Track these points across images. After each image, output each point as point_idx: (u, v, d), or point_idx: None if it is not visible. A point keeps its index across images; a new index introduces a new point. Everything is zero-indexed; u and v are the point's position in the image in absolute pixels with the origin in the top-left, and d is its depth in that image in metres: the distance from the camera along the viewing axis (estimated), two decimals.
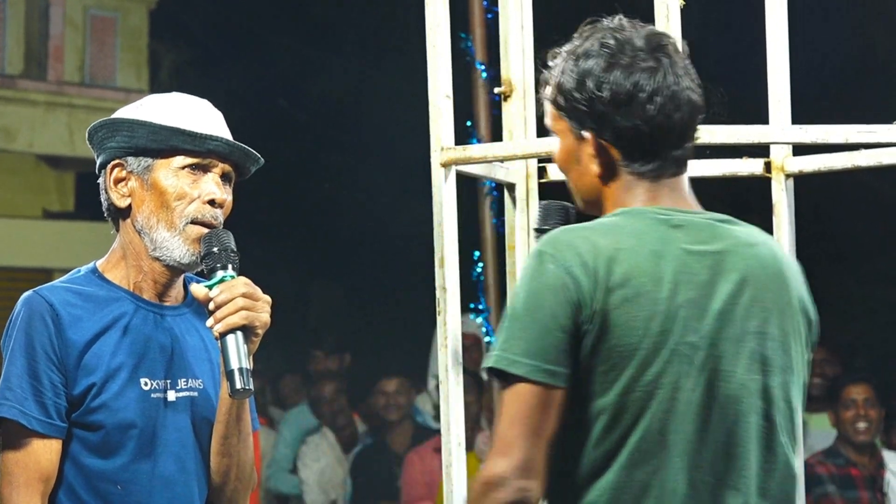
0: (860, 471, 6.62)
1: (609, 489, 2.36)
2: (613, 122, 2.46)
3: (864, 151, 3.42)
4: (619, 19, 2.55)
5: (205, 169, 2.93)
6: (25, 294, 2.90)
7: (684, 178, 2.54)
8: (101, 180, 2.99)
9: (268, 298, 2.87)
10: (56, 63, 11.95)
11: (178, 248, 2.90)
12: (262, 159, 3.01)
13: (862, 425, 6.69)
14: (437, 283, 3.34)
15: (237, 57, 12.96)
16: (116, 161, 2.95)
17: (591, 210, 2.59)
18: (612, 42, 2.49)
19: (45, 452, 2.83)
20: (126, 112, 2.99)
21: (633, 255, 2.38)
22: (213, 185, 2.92)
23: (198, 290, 2.86)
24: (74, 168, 12.30)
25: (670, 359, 2.36)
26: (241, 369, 2.81)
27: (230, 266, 2.86)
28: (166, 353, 2.92)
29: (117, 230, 2.99)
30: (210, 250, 2.86)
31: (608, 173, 2.50)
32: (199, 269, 2.93)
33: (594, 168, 2.51)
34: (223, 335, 2.82)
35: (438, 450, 7.95)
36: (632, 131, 2.46)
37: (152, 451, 2.89)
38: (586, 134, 2.49)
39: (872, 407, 6.75)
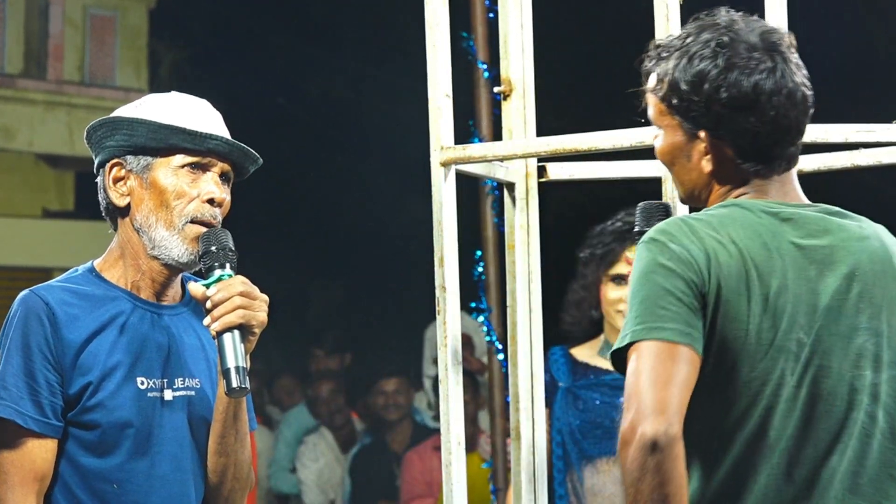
0: None
1: (718, 482, 2.36)
2: (731, 124, 2.45)
3: (863, 151, 3.42)
4: (729, 14, 2.52)
5: (204, 168, 2.93)
6: (22, 293, 2.90)
7: (793, 173, 2.53)
8: (99, 179, 2.99)
9: (265, 297, 2.87)
10: (55, 62, 11.94)
11: (177, 246, 2.90)
12: (261, 159, 3.01)
13: None
14: (437, 283, 3.34)
15: (236, 56, 12.95)
16: (115, 160, 2.95)
17: (692, 204, 2.58)
18: (727, 41, 2.46)
19: (40, 451, 2.83)
20: (125, 111, 2.99)
21: (745, 248, 2.38)
22: (213, 185, 2.92)
23: (195, 288, 2.87)
24: (74, 167, 12.28)
25: (776, 355, 2.35)
26: (237, 368, 2.80)
27: (228, 265, 2.86)
28: (163, 352, 2.92)
29: (115, 229, 2.99)
30: (208, 249, 2.86)
31: (720, 171, 2.50)
32: (197, 269, 2.93)
33: (706, 166, 2.49)
34: (220, 334, 2.82)
35: (438, 448, 7.94)
36: (750, 132, 2.45)
37: (148, 450, 2.88)
38: (701, 133, 2.47)
39: None
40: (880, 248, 2.48)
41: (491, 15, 5.59)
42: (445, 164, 3.36)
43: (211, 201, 2.91)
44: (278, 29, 13.26)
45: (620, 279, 4.47)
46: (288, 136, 12.45)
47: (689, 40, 2.49)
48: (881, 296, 2.44)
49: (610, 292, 4.49)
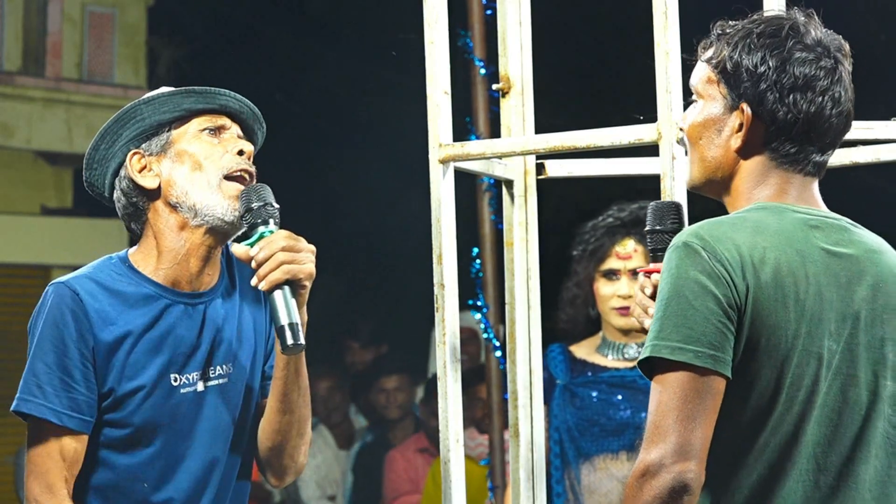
0: None
1: (746, 487, 2.35)
2: (776, 104, 2.44)
3: (862, 148, 3.42)
4: (804, 13, 2.53)
5: (221, 130, 2.93)
6: (54, 284, 2.87)
7: (815, 183, 2.52)
8: (117, 189, 2.96)
9: (311, 248, 2.84)
10: (54, 59, 11.93)
11: (219, 204, 2.87)
12: (265, 124, 3.02)
13: None
14: (435, 280, 3.34)
15: (234, 52, 12.95)
16: (133, 152, 2.93)
17: (704, 189, 2.55)
18: (802, 30, 2.47)
19: (71, 446, 2.82)
20: (119, 112, 2.98)
21: (780, 253, 2.36)
22: (236, 140, 2.93)
23: (239, 249, 2.83)
24: (72, 164, 12.28)
25: (810, 360, 2.34)
26: (291, 324, 2.77)
27: (271, 221, 2.83)
28: (196, 346, 2.90)
29: (141, 227, 2.95)
30: (249, 206, 2.84)
31: (748, 152, 2.48)
32: (240, 233, 2.89)
33: (735, 142, 2.48)
34: (269, 292, 2.78)
35: (421, 449, 7.91)
36: (790, 121, 2.44)
37: (180, 446, 2.88)
38: (743, 106, 2.46)
39: None
40: (895, 261, 2.49)
41: (488, 12, 5.59)
42: (444, 162, 3.36)
43: (240, 153, 2.91)
44: (276, 25, 13.26)
45: (612, 274, 4.47)
46: (286, 133, 12.45)
47: (758, 21, 2.50)
48: None
49: (602, 288, 4.49)
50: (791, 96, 2.43)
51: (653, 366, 2.34)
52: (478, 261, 6.12)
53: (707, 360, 2.29)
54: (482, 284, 6.09)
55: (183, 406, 2.87)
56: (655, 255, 2.69)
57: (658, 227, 2.71)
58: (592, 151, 3.30)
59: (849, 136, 3.27)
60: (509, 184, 3.58)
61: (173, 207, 2.89)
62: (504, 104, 3.58)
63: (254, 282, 2.79)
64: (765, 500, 2.34)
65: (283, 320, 2.77)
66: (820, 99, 2.44)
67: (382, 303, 12.45)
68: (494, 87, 3.66)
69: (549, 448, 4.48)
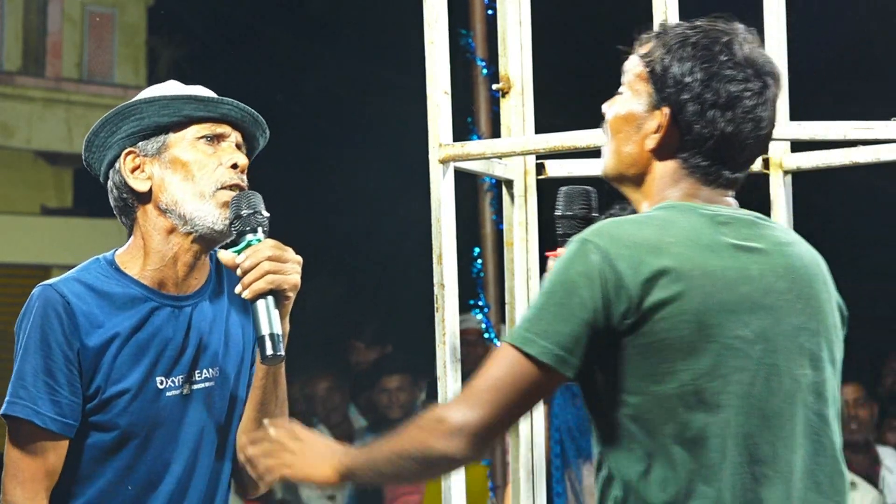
0: (855, 468, 6.63)
1: (661, 481, 2.35)
2: (694, 117, 2.44)
3: (862, 148, 3.42)
4: (745, 29, 2.52)
5: (219, 139, 2.90)
6: (40, 287, 2.85)
7: (730, 194, 2.52)
8: (111, 179, 2.94)
9: (298, 259, 2.82)
10: (54, 59, 11.94)
11: (210, 213, 2.85)
12: (268, 130, 3.00)
13: (853, 426, 6.70)
14: (436, 280, 3.34)
15: (234, 53, 12.95)
16: (128, 150, 2.91)
17: (616, 181, 2.56)
18: (735, 47, 2.47)
19: (53, 450, 2.81)
20: (124, 105, 2.96)
21: (684, 249, 2.37)
22: (232, 151, 2.90)
23: (225, 256, 2.82)
24: (72, 164, 12.28)
25: (722, 352, 2.35)
26: (272, 335, 2.76)
27: (259, 229, 2.82)
28: (183, 349, 2.89)
29: (131, 225, 2.93)
30: (238, 213, 2.81)
31: (661, 154, 2.49)
32: (229, 240, 2.88)
33: (650, 142, 2.49)
34: (252, 301, 2.77)
35: None
36: (705, 136, 2.45)
37: (165, 449, 2.86)
38: (664, 109, 2.47)
39: (863, 406, 6.75)
40: (807, 253, 2.51)
41: (490, 12, 5.59)
42: (444, 162, 3.36)
43: (234, 166, 2.88)
44: (276, 25, 13.26)
45: None
46: (286, 133, 12.44)
47: (698, 29, 2.50)
48: (815, 297, 2.46)
49: None
50: (710, 113, 2.44)
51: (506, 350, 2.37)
52: (479, 261, 6.12)
53: (552, 359, 2.32)
54: (483, 284, 6.10)
55: (168, 409, 2.86)
56: (563, 240, 2.69)
57: (567, 213, 2.72)
58: (592, 151, 3.30)
59: (849, 136, 3.28)
60: (509, 184, 3.58)
61: (163, 212, 2.87)
62: (504, 104, 3.58)
63: (238, 289, 2.78)
64: (700, 494, 2.34)
65: (265, 330, 2.77)
66: (740, 120, 2.45)
67: (383, 303, 12.45)
68: (494, 87, 3.66)
69: (550, 448, 4.48)
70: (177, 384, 2.87)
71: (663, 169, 2.49)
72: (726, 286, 2.37)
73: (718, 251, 2.40)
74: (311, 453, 2.51)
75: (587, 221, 2.68)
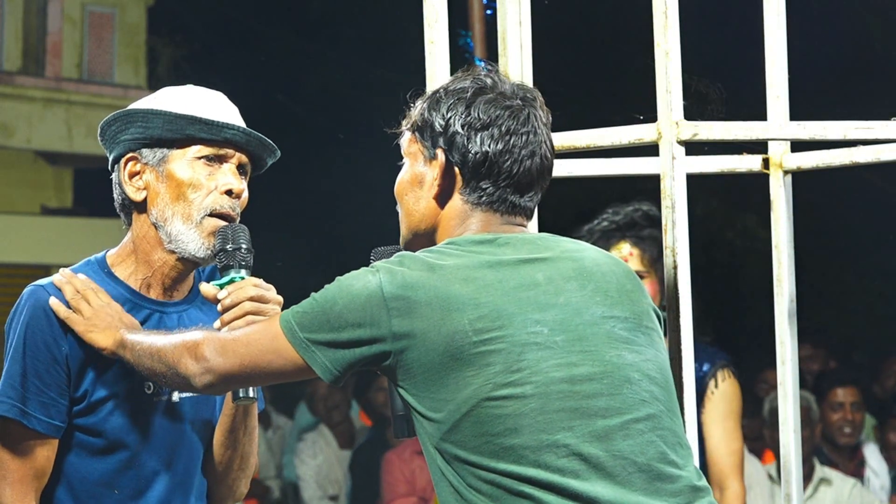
0: (841, 470, 6.63)
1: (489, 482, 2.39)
2: (464, 146, 2.54)
3: (862, 148, 3.42)
4: (494, 70, 2.67)
5: (221, 160, 2.88)
6: (30, 287, 2.85)
7: (524, 223, 2.60)
8: (114, 175, 2.94)
9: (279, 300, 2.82)
10: (54, 59, 11.96)
11: (194, 241, 2.85)
12: (279, 151, 2.98)
13: (847, 429, 6.70)
14: None
15: (235, 52, 12.97)
16: (131, 154, 2.90)
17: (414, 244, 2.64)
18: (486, 81, 2.60)
19: (42, 451, 2.82)
20: (140, 105, 2.95)
21: (459, 269, 2.44)
22: (230, 176, 2.87)
23: (207, 289, 2.82)
24: (72, 164, 12.31)
25: (510, 349, 2.40)
26: None
27: (242, 266, 2.83)
28: None
29: (129, 225, 2.93)
30: (223, 247, 2.81)
31: (447, 196, 2.58)
32: (213, 264, 2.89)
33: (434, 189, 2.58)
34: None
35: (418, 451, 7.91)
36: (479, 159, 2.54)
37: (152, 455, 2.86)
38: (438, 153, 2.57)
39: (858, 410, 6.77)
40: (600, 255, 2.58)
41: (489, 12, 5.59)
42: None
43: (229, 192, 2.86)
44: (277, 25, 13.27)
45: None
46: (287, 133, 12.46)
47: (448, 82, 2.64)
48: (616, 290, 2.52)
49: None
50: (478, 136, 2.54)
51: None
52: None
53: (307, 353, 2.49)
54: None
55: (156, 415, 2.86)
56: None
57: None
58: (592, 151, 3.30)
59: (849, 136, 3.28)
60: None
61: (153, 224, 2.88)
62: None
63: (216, 325, 2.78)
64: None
65: None
66: (507, 138, 2.54)
67: None
68: None
69: None
70: (165, 390, 2.87)
71: (452, 212, 2.58)
72: (507, 294, 2.43)
73: (498, 266, 2.47)
74: (100, 319, 2.77)
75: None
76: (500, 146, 2.54)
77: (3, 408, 2.80)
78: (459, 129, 2.55)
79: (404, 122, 2.66)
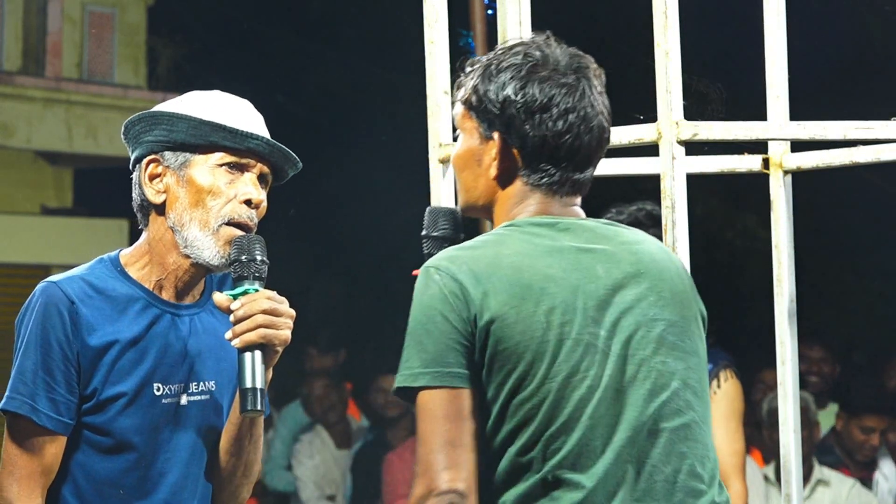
0: (851, 472, 6.65)
1: (524, 485, 2.39)
2: (522, 129, 2.51)
3: (862, 148, 3.42)
4: (546, 36, 2.59)
5: (242, 168, 2.88)
6: (44, 283, 2.85)
7: (577, 199, 2.57)
8: (134, 175, 2.94)
9: (291, 313, 2.83)
10: (54, 59, 11.94)
11: (209, 248, 2.85)
12: (301, 163, 2.99)
13: (869, 451, 6.77)
14: None
15: (235, 53, 12.97)
16: (153, 156, 2.89)
17: (475, 214, 2.64)
18: (536, 54, 2.54)
19: (50, 447, 2.82)
20: (166, 107, 2.93)
21: (522, 257, 2.43)
22: (250, 186, 2.87)
23: (220, 299, 2.82)
24: (72, 164, 12.29)
25: (575, 348, 2.40)
26: (254, 389, 2.78)
27: (256, 278, 2.82)
28: (181, 357, 2.88)
29: (145, 225, 2.93)
30: (238, 258, 2.82)
31: (506, 179, 2.55)
32: (227, 271, 2.89)
33: (493, 171, 2.55)
34: (241, 351, 2.79)
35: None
36: (538, 142, 2.51)
37: (159, 457, 2.87)
38: (494, 135, 2.53)
39: (884, 436, 6.88)
40: (658, 249, 2.56)
41: (490, 12, 5.59)
42: (444, 161, 3.36)
43: (248, 202, 2.86)
44: (277, 26, 13.27)
45: None
46: (287, 134, 12.45)
47: (499, 53, 2.57)
48: (669, 290, 2.50)
49: None
50: (536, 117, 2.50)
51: (407, 396, 2.42)
52: None
53: (443, 379, 2.37)
54: None
55: (164, 416, 2.87)
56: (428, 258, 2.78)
57: (433, 233, 2.77)
58: None
59: (849, 136, 3.28)
60: None
61: (170, 227, 2.88)
62: None
63: (228, 335, 2.79)
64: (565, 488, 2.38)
65: (248, 384, 2.79)
66: (566, 117, 2.50)
67: (383, 302, 12.47)
68: None
69: None
70: (173, 392, 2.87)
71: (511, 192, 2.55)
72: (570, 286, 2.42)
73: (559, 255, 2.45)
74: None
75: (451, 242, 2.74)
76: (559, 127, 2.50)
77: (13, 404, 2.81)
78: (515, 112, 2.50)
79: (457, 93, 2.61)
